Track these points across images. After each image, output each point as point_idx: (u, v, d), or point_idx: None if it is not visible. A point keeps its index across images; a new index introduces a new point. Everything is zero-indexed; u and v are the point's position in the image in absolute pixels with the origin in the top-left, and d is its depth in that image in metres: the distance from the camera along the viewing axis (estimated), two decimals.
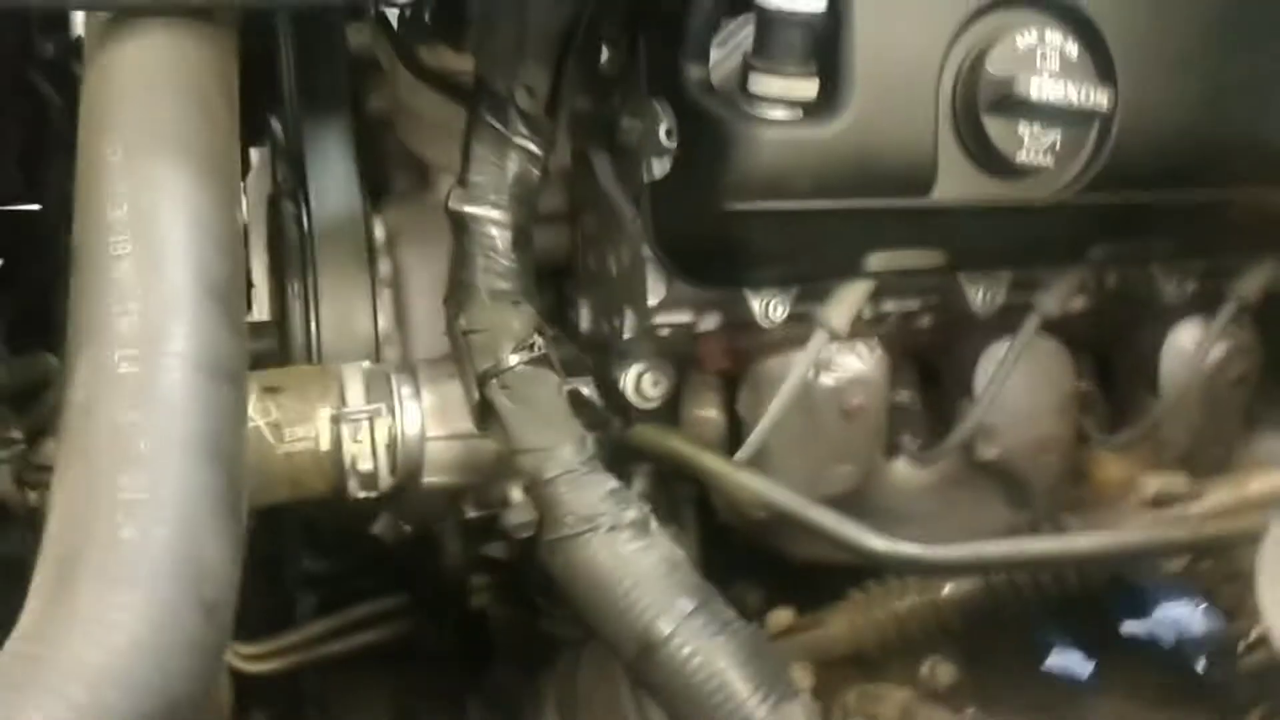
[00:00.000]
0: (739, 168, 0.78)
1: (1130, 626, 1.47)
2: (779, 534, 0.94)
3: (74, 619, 0.45)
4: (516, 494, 0.82)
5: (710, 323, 0.94)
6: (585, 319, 1.00)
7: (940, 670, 1.09)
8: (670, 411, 0.99)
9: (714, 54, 0.81)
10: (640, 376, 0.96)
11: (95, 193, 0.57)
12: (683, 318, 0.92)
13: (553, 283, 1.09)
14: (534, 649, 0.97)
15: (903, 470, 1.04)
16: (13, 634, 0.45)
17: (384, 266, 0.90)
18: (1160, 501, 0.98)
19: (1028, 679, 1.28)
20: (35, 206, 1.26)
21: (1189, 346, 1.00)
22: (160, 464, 0.49)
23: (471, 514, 0.86)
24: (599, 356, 1.00)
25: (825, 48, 0.75)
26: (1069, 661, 1.51)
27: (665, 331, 0.92)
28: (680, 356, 0.98)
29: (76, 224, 0.57)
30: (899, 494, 1.05)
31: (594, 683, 0.85)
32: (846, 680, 1.05)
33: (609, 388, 0.96)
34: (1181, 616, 1.77)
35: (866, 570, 1.02)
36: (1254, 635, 0.76)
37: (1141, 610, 1.46)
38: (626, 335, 0.93)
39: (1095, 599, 1.25)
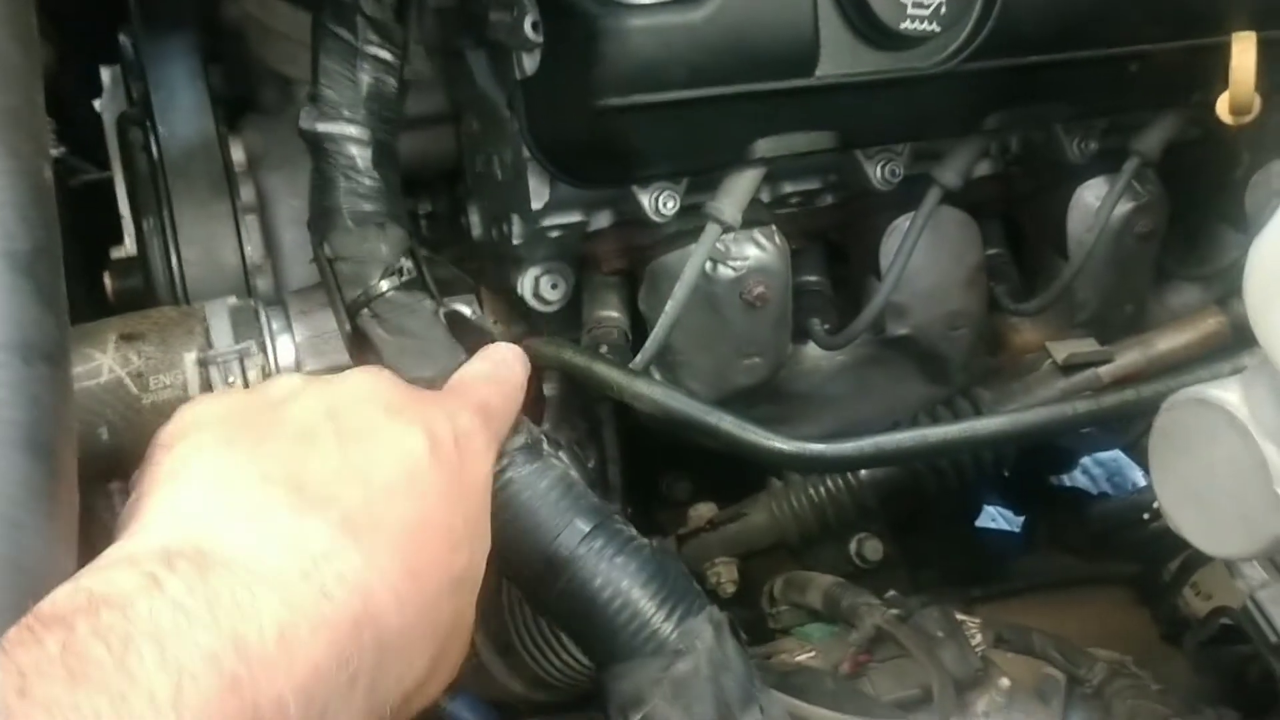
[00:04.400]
0: (608, 61, 0.73)
1: (1056, 481, 1.49)
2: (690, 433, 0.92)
3: None
4: None
5: (601, 221, 0.91)
6: (477, 225, 0.96)
7: (867, 546, 1.09)
8: (573, 313, 0.97)
9: None
10: (537, 280, 0.93)
11: None
12: (572, 218, 0.88)
13: (446, 187, 1.05)
14: None
15: (815, 355, 1.03)
16: None
17: (246, 192, 0.84)
18: (1072, 366, 0.97)
19: (957, 543, 1.29)
20: None
21: (1095, 205, 0.97)
22: None
23: None
24: (495, 262, 0.96)
25: None
26: (997, 521, 1.53)
27: (555, 234, 0.89)
28: (576, 257, 0.94)
29: None
30: (813, 379, 1.04)
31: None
32: (776, 569, 1.05)
33: (508, 294, 0.93)
34: (1106, 467, 1.79)
35: None
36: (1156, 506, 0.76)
37: (1067, 461, 1.48)
38: (516, 240, 0.89)
39: (1021, 456, 1.26)
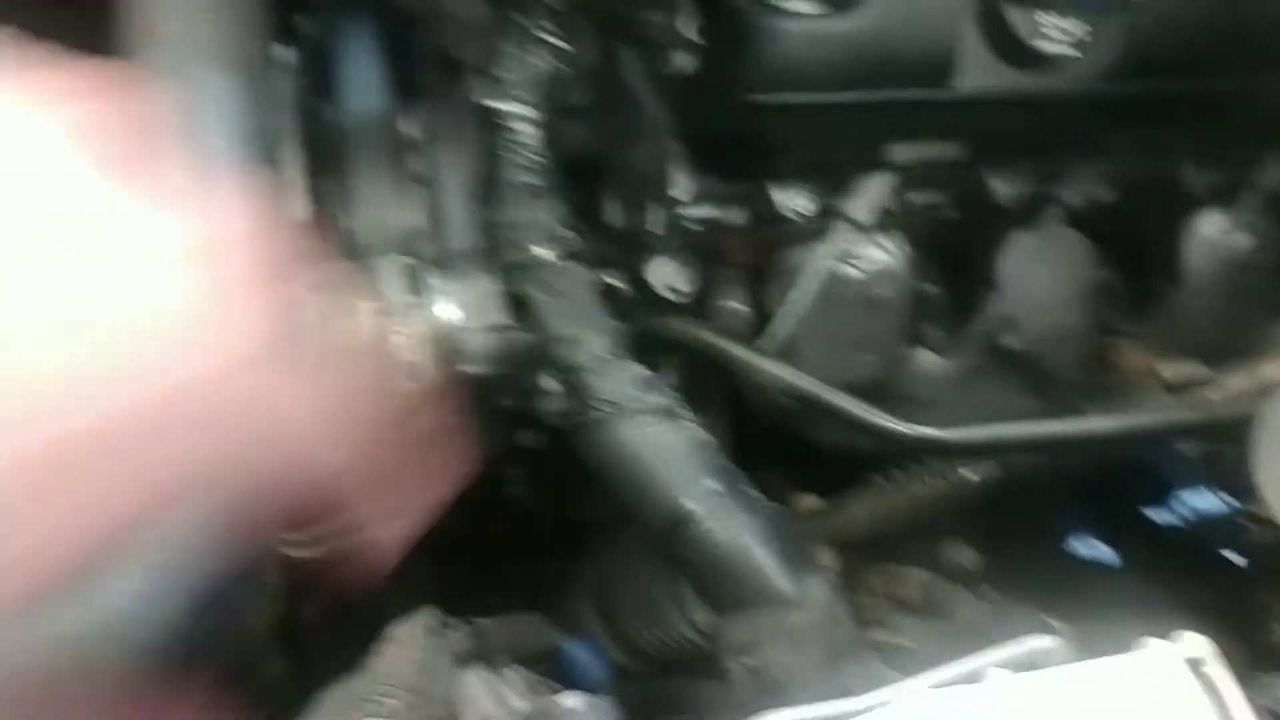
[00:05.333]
0: (761, 60, 0.79)
1: (1150, 510, 1.50)
2: (803, 421, 0.97)
3: None
4: (549, 383, 0.85)
5: (736, 217, 0.96)
6: (615, 214, 1.02)
7: (960, 554, 1.12)
8: (699, 305, 1.02)
9: None
10: (669, 271, 0.99)
11: None
12: (709, 212, 0.94)
13: (583, 178, 1.11)
14: (566, 538, 1.01)
15: (926, 359, 1.07)
16: None
17: (416, 164, 0.92)
18: (1177, 388, 1.00)
19: (1046, 562, 1.31)
20: None
21: (1212, 237, 1.00)
22: None
23: (506, 403, 0.89)
24: (630, 252, 1.02)
25: None
26: (1088, 544, 1.54)
27: (692, 226, 0.94)
28: (707, 251, 1.00)
29: None
30: (922, 382, 1.07)
31: (627, 566, 0.89)
32: (868, 564, 1.09)
33: (640, 282, 0.99)
34: (1199, 499, 1.79)
35: (889, 458, 1.05)
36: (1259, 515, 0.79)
37: (1161, 494, 1.49)
38: (654, 231, 0.95)
39: (1116, 484, 1.28)
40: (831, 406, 0.81)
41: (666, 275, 0.99)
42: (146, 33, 0.60)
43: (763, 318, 1.00)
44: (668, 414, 0.75)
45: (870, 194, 0.87)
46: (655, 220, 0.95)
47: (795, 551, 0.73)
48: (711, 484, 0.73)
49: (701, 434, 0.75)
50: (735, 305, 1.01)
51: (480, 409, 0.95)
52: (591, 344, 0.77)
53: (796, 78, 0.80)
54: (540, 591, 0.97)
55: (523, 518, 1.03)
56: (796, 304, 0.91)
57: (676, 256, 0.98)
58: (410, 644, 0.79)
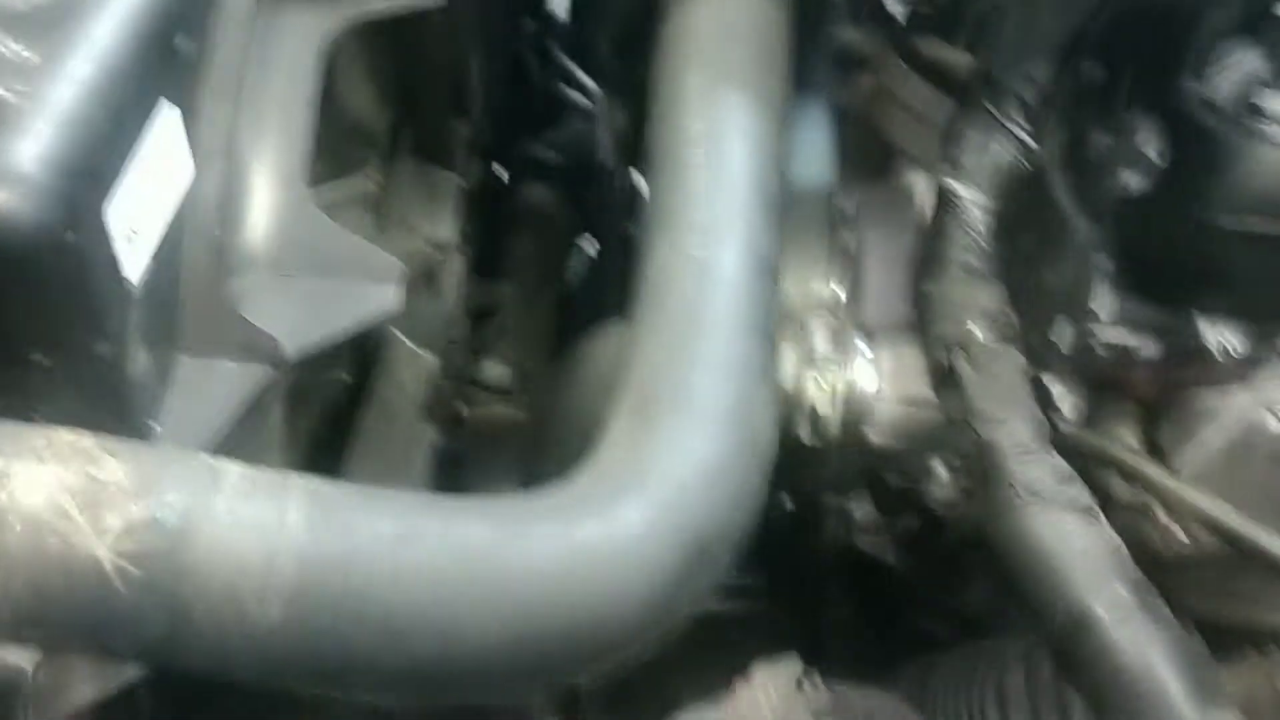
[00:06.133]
0: (1237, 186, 0.78)
1: None
2: (1201, 577, 0.92)
3: (656, 443, 0.52)
4: (940, 467, 0.85)
5: (1150, 346, 0.94)
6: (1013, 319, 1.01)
7: None
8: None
9: None
10: (1057, 391, 0.97)
11: (676, 114, 0.66)
12: (1124, 337, 0.92)
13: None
14: (937, 620, 1.00)
15: None
16: (596, 454, 0.53)
17: (846, 238, 0.95)
18: None
19: None
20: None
21: None
22: (720, 331, 0.56)
23: (894, 479, 0.90)
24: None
25: None
26: None
27: (1103, 351, 0.92)
28: (1107, 377, 0.98)
29: (656, 138, 0.67)
30: None
31: (1004, 662, 0.86)
32: None
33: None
34: None
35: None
36: None
37: None
38: (1063, 350, 0.93)
39: None
40: (1256, 548, 0.76)
41: (1054, 395, 0.97)
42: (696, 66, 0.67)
43: (1154, 458, 0.97)
44: (1086, 512, 0.73)
45: None
46: (1062, 336, 0.94)
47: (1206, 679, 0.69)
48: (1123, 591, 0.70)
49: (1117, 539, 0.73)
50: (1127, 438, 0.98)
51: (868, 480, 0.96)
52: (1016, 429, 0.76)
53: (1266, 205, 0.78)
54: (902, 671, 0.95)
55: (895, 590, 1.02)
56: (1203, 450, 0.87)
57: (1070, 377, 0.97)
58: (769, 691, 0.79)
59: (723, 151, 0.64)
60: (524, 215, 1.25)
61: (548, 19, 1.37)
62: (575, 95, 1.33)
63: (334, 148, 0.79)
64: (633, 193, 1.34)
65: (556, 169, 1.31)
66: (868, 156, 1.03)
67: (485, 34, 0.96)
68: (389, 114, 0.90)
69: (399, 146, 0.92)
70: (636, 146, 1.35)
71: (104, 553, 0.44)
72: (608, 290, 1.33)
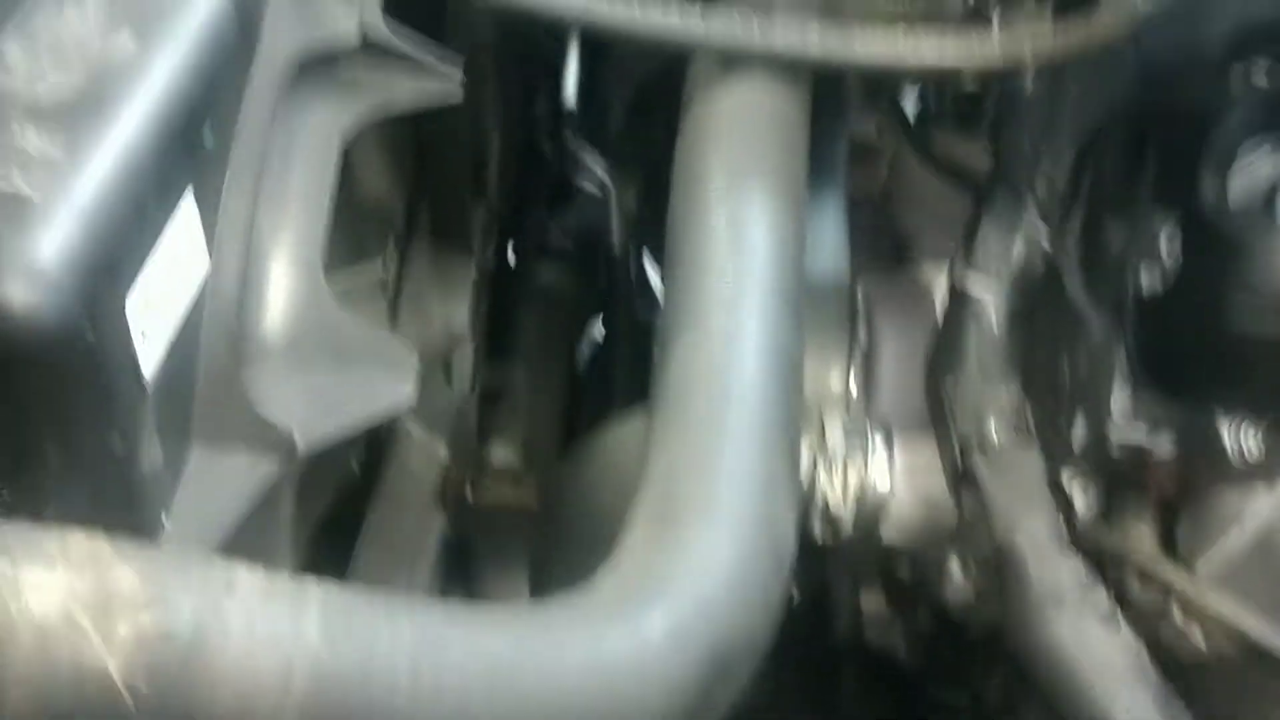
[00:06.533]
0: (1255, 290, 0.77)
1: None
2: (1219, 681, 0.90)
3: (679, 552, 0.51)
4: (954, 566, 0.83)
5: (1166, 444, 0.93)
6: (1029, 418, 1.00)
7: None
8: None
9: None
10: (1081, 489, 0.95)
11: (698, 208, 0.66)
12: (1142, 435, 0.91)
13: None
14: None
15: None
16: (616, 560, 0.52)
17: (861, 331, 0.95)
18: None
19: None
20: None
21: None
22: (743, 437, 0.56)
23: (904, 577, 0.88)
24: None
25: None
26: None
27: (1120, 448, 0.91)
28: (1122, 474, 0.97)
29: (677, 231, 0.66)
30: None
31: None
32: None
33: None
34: None
35: None
36: None
37: None
38: (1075, 445, 0.93)
39: None
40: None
41: (1071, 493, 0.96)
42: (716, 155, 0.67)
43: (1172, 558, 0.95)
44: (1107, 620, 0.72)
45: None
46: (1078, 434, 0.93)
47: None
48: (1146, 700, 0.69)
49: (1138, 645, 0.71)
50: (1145, 538, 0.97)
51: (881, 574, 0.94)
52: (1036, 532, 0.75)
53: None
54: None
55: (906, 685, 1.00)
56: (1222, 553, 0.85)
57: (1087, 474, 0.96)
58: None
59: (745, 248, 0.64)
60: (534, 295, 1.25)
61: (560, 100, 1.38)
62: (586, 176, 1.34)
63: (351, 232, 0.79)
64: (642, 275, 1.35)
65: (567, 250, 1.32)
66: (881, 246, 1.03)
67: (504, 117, 0.96)
68: (406, 197, 0.90)
69: (415, 228, 0.92)
70: (646, 228, 1.36)
71: (114, 665, 0.43)
72: (616, 372, 1.32)
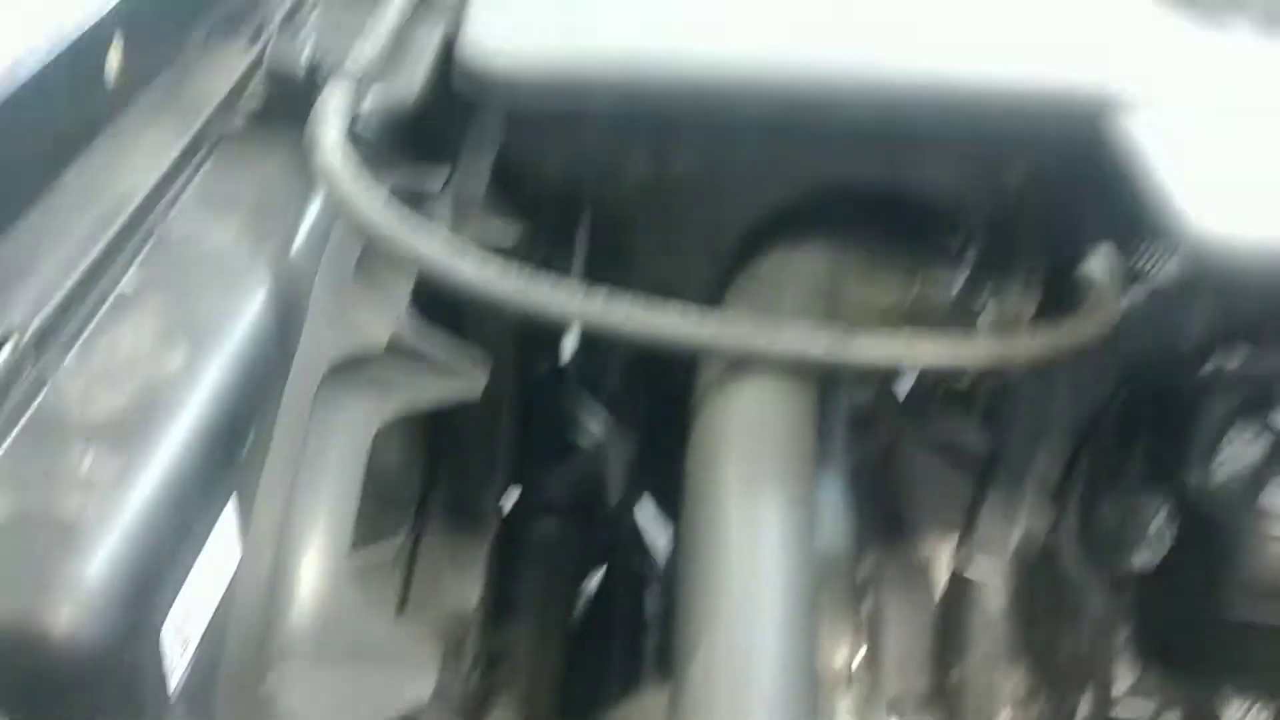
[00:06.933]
0: (1243, 578, 0.80)
1: None
2: None
3: None
4: None
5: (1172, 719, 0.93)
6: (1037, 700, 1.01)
7: None
8: None
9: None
10: None
11: (711, 513, 0.69)
12: (1145, 709, 0.92)
13: None
14: None
15: None
16: None
17: (865, 608, 0.96)
18: None
19: None
20: None
21: None
22: None
23: None
24: None
25: None
26: None
27: None
28: None
29: (690, 537, 0.69)
30: None
31: None
32: None
33: None
34: None
35: None
36: None
37: None
38: (1079, 717, 0.93)
39: None
40: None
41: None
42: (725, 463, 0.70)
43: None
44: None
45: None
46: (1082, 709, 0.94)
47: None
48: None
49: None
50: None
51: None
52: None
53: (1272, 597, 0.80)
54: None
55: None
56: None
57: None
58: None
59: (759, 555, 0.66)
60: (533, 552, 1.26)
61: (559, 355, 1.41)
62: (583, 433, 1.36)
63: (369, 515, 0.80)
64: (639, 532, 1.36)
65: (564, 505, 1.33)
66: (881, 521, 1.05)
67: (516, 395, 0.99)
68: (423, 477, 0.92)
69: (431, 506, 0.94)
70: (644, 481, 1.38)
71: None
72: (615, 630, 1.31)
